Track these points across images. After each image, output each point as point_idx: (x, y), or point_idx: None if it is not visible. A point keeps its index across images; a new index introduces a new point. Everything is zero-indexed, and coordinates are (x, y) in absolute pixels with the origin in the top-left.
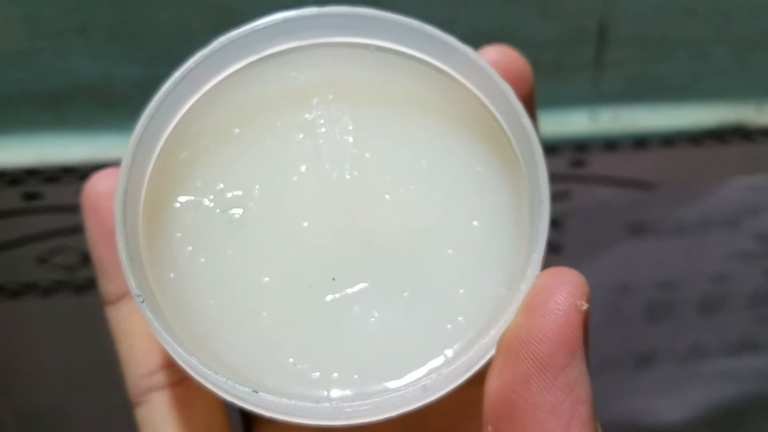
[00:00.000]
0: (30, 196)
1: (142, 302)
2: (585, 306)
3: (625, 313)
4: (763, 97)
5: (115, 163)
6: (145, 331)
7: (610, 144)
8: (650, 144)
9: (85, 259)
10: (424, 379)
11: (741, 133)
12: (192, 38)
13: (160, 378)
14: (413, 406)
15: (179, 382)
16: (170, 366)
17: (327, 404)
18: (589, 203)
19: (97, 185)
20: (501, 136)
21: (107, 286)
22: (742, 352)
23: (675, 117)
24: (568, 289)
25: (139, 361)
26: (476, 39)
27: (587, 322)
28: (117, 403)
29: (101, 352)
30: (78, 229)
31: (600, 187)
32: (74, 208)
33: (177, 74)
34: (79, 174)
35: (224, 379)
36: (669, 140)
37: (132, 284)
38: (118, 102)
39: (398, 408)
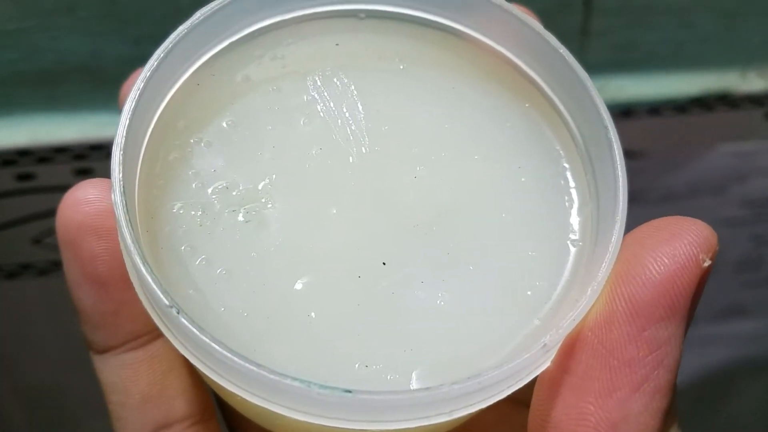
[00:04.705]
0: (23, 177)
1: (178, 313)
2: (707, 263)
3: None
4: (746, 64)
5: (107, 141)
6: (139, 390)
7: None
8: (637, 113)
9: None
10: (537, 343)
11: (726, 101)
12: (180, 15)
13: None
14: (540, 369)
15: None
16: (162, 429)
17: (444, 387)
18: None
19: (72, 215)
20: (525, 83)
21: (92, 335)
22: (730, 316)
23: (661, 86)
24: (692, 238)
25: (129, 422)
26: None
27: (703, 283)
28: None
29: None
30: None
31: None
32: (68, 188)
33: (151, 62)
34: (71, 153)
35: (313, 387)
36: (655, 109)
37: (160, 296)
38: (108, 80)
39: (527, 374)
